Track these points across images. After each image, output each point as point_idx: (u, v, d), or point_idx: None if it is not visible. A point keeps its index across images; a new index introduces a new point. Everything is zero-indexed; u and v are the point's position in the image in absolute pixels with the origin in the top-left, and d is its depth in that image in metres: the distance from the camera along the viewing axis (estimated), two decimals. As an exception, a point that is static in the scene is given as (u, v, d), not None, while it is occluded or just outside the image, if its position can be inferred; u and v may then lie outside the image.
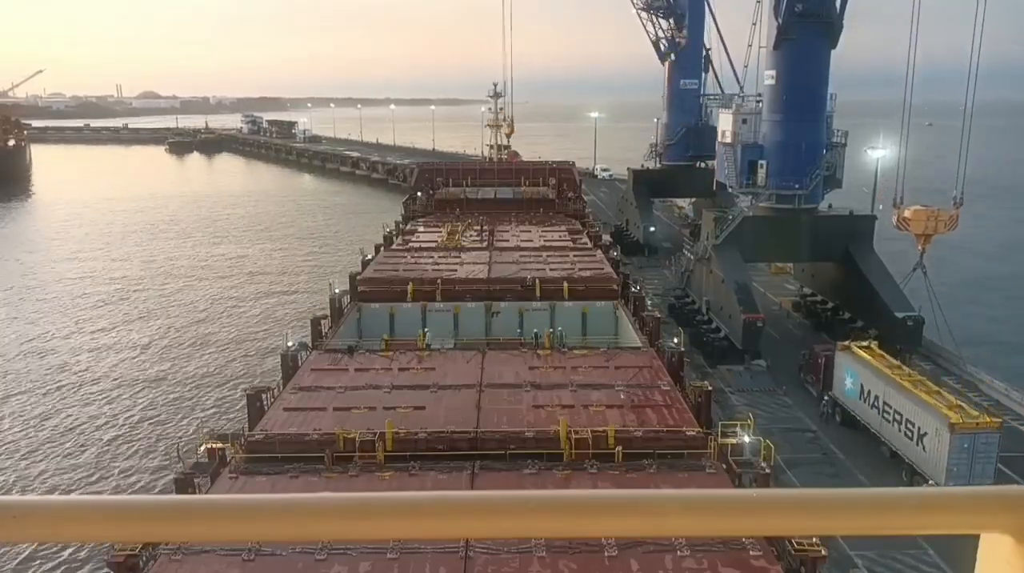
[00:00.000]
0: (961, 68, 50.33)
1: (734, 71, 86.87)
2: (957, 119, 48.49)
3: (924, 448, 35.65)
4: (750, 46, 63.45)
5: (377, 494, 1.78)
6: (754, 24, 63.68)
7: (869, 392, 40.12)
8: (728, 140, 60.36)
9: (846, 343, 44.44)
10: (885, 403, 38.63)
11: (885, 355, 42.51)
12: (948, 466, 33.95)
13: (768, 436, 30.12)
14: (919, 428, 35.92)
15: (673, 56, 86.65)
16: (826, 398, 44.36)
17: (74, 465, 43.23)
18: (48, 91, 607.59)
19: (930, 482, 35.15)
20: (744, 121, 59.54)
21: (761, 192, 58.19)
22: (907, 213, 55.04)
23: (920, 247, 55.08)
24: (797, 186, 56.29)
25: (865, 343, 44.39)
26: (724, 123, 62.73)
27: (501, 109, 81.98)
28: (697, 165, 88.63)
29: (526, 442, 25.43)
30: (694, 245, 64.13)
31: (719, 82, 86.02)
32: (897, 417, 37.61)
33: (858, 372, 41.32)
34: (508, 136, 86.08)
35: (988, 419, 35.60)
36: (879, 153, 62.58)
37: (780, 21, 54.47)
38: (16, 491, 40.75)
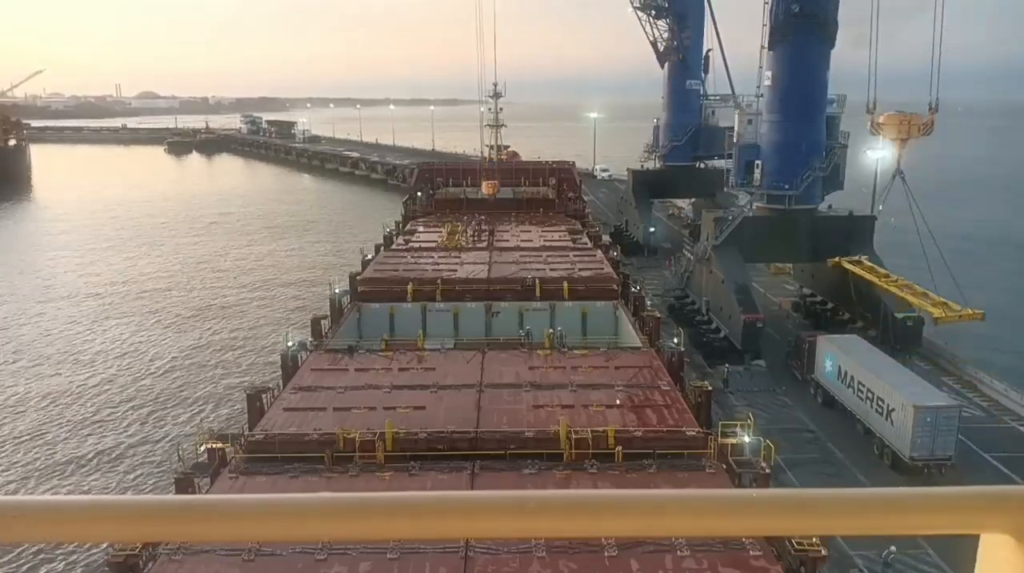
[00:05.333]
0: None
1: (728, 73, 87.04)
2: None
3: (892, 423, 38.19)
4: (763, 47, 63.52)
5: (377, 494, 1.79)
6: (765, 25, 63.70)
7: (846, 373, 43.01)
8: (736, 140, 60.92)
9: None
10: (859, 382, 41.48)
11: (876, 267, 46.94)
12: (913, 439, 36.64)
13: (767, 436, 30.12)
14: (888, 405, 38.60)
15: (676, 57, 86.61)
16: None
17: (74, 464, 43.21)
18: (47, 91, 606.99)
19: (936, 472, 35.58)
20: (750, 121, 59.76)
21: (754, 191, 58.45)
22: (881, 119, 54.98)
23: (897, 152, 55.08)
24: (787, 186, 56.41)
25: (856, 258, 48.84)
26: (737, 123, 63.25)
27: (501, 109, 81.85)
28: (697, 165, 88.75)
29: (526, 442, 25.44)
30: (694, 245, 64.17)
31: (730, 82, 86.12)
32: (869, 395, 40.42)
33: (836, 355, 44.14)
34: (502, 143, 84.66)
35: (971, 311, 41.31)
36: (879, 154, 62.63)
37: (775, 21, 54.65)
38: (16, 491, 40.74)
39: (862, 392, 41.19)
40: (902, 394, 37.99)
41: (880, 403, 39.30)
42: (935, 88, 51.53)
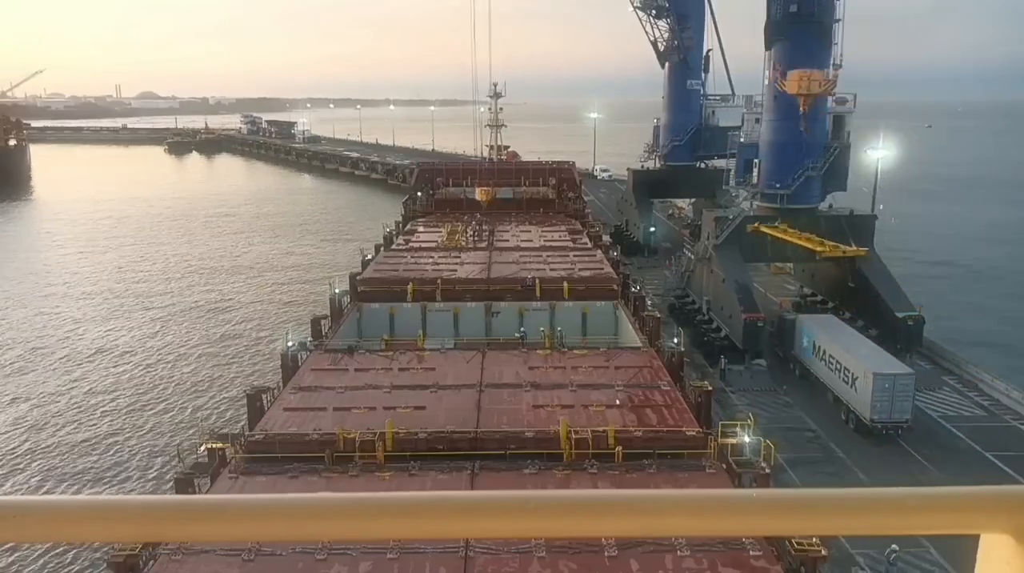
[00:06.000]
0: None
1: (728, 73, 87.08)
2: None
3: (856, 390, 42.18)
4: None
5: (377, 494, 1.78)
6: None
7: (819, 348, 47.05)
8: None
9: None
10: (830, 355, 45.55)
11: (787, 229, 53.51)
12: (872, 403, 40.50)
13: (768, 435, 30.11)
14: (852, 373, 42.67)
15: (677, 57, 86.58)
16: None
17: (73, 465, 43.20)
18: (47, 91, 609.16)
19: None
20: (757, 120, 59.84)
21: (750, 191, 58.73)
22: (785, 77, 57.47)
23: (802, 109, 56.77)
24: (778, 185, 56.52)
25: (776, 223, 54.03)
26: (745, 122, 63.77)
27: (501, 110, 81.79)
28: (698, 165, 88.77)
29: (526, 442, 25.43)
30: (694, 245, 64.18)
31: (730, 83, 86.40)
32: (837, 366, 44.57)
33: (812, 332, 48.40)
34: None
35: (855, 249, 52.08)
36: (879, 153, 62.56)
37: (772, 20, 54.75)
38: (16, 491, 40.73)
39: (832, 364, 45.26)
40: (864, 363, 42.00)
41: (846, 373, 43.40)
42: (841, 49, 54.84)
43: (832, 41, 55.01)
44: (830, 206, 60.00)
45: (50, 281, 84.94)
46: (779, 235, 54.41)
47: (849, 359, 43.48)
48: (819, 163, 56.71)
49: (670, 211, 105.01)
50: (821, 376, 46.55)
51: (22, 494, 38.41)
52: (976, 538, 1.83)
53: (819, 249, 51.28)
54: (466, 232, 58.72)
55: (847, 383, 43.22)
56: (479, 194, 67.90)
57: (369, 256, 51.87)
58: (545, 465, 24.50)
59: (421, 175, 78.90)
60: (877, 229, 58.33)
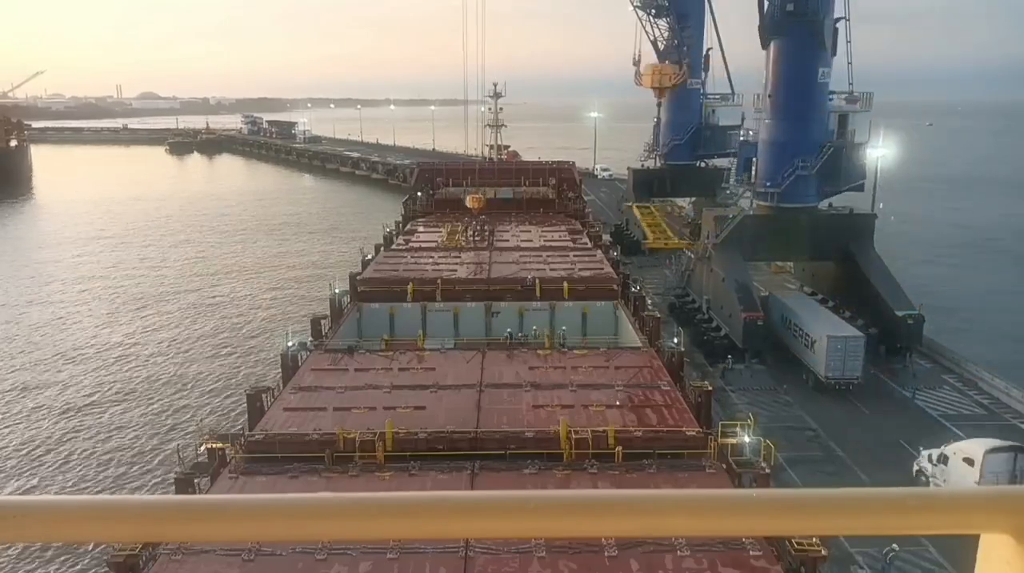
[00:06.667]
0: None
1: (728, 72, 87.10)
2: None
3: (814, 351, 47.02)
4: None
5: (377, 494, 1.78)
6: None
7: (787, 320, 52.03)
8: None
9: None
10: (795, 325, 50.54)
11: (656, 212, 60.49)
12: (827, 362, 45.37)
13: (769, 434, 30.09)
14: (811, 338, 47.80)
15: (677, 56, 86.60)
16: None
17: (72, 465, 43.21)
18: (48, 92, 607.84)
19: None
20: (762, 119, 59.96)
21: (747, 189, 58.88)
22: (642, 70, 62.25)
23: (657, 99, 62.60)
24: (768, 183, 56.57)
25: (667, 202, 59.75)
26: (749, 121, 64.27)
27: (501, 109, 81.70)
28: (698, 164, 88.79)
29: (526, 442, 25.45)
30: (694, 244, 64.23)
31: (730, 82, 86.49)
32: (800, 333, 49.53)
33: (782, 307, 53.49)
34: None
35: (678, 241, 58.50)
36: (879, 153, 62.47)
37: (768, 19, 54.78)
38: (15, 491, 40.72)
39: (796, 332, 50.25)
40: (820, 328, 47.40)
41: (807, 338, 48.37)
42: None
43: (828, 39, 54.98)
44: (829, 205, 59.97)
45: (49, 280, 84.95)
46: (644, 218, 59.51)
47: (809, 325, 48.76)
48: (811, 162, 56.47)
49: (670, 210, 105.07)
50: (789, 343, 51.20)
51: (22, 494, 38.31)
52: (976, 538, 1.83)
53: (650, 242, 55.93)
54: (466, 232, 58.72)
55: (807, 347, 48.18)
56: (470, 201, 63.80)
57: (369, 256, 51.85)
58: (545, 465, 24.50)
59: (421, 175, 78.80)
60: (877, 227, 58.29)
